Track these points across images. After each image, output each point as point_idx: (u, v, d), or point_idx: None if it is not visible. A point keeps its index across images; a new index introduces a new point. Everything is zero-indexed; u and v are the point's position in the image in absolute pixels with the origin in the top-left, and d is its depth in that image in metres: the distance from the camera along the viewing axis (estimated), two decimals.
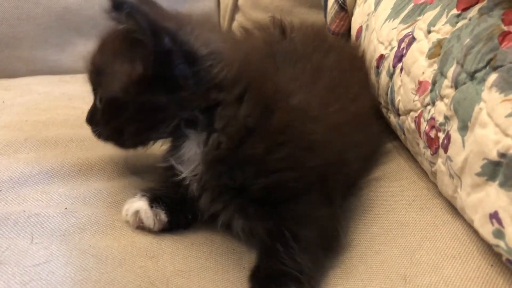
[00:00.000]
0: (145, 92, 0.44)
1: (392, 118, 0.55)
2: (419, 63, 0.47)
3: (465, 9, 0.45)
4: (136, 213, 0.47)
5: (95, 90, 0.49)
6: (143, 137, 0.48)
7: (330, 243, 0.47)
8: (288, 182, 0.45)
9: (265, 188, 0.45)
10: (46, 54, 0.90)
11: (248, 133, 0.45)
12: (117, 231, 0.46)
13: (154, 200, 0.47)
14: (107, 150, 0.53)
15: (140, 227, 0.47)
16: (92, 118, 0.50)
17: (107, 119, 0.47)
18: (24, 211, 0.45)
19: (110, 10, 0.42)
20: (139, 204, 0.47)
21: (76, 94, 0.73)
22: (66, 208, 0.47)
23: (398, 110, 0.52)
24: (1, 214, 0.44)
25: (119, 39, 0.46)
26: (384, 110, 0.59)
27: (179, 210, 0.48)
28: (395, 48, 0.53)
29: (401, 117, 0.51)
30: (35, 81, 0.82)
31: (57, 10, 0.88)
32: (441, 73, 0.43)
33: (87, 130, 0.61)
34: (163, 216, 0.47)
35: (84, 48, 0.88)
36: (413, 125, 0.48)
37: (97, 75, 0.48)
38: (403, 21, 0.54)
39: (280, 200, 0.46)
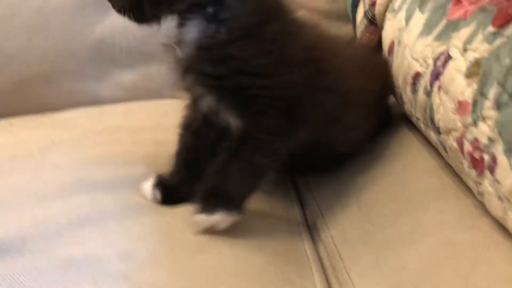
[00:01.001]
0: None
1: (433, 136, 0.55)
2: (458, 82, 0.47)
3: (502, 26, 0.45)
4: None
5: None
6: (161, 8, 0.52)
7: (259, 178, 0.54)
8: (262, 88, 0.51)
9: (240, 88, 0.51)
10: (85, 86, 0.92)
11: (244, 32, 0.50)
12: (176, 266, 0.48)
13: (158, 184, 0.57)
14: None
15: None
16: None
17: None
18: (85, 254, 0.47)
19: None
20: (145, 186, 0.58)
21: (117, 127, 0.76)
22: (124, 248, 0.49)
23: (438, 128, 0.52)
24: (64, 259, 0.46)
25: None
26: (422, 126, 0.59)
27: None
28: (431, 66, 0.54)
29: (442, 135, 0.51)
30: (78, 115, 0.85)
31: (93, 43, 0.90)
32: (481, 93, 0.43)
33: (133, 169, 0.64)
34: (158, 196, 0.57)
35: (120, 77, 0.94)
36: (455, 145, 0.48)
37: None
38: (437, 38, 0.54)
39: (249, 107, 0.52)
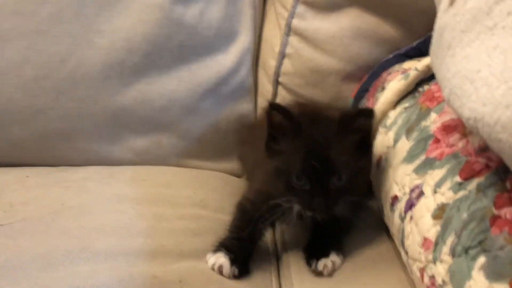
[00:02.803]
0: None
1: (403, 255, 0.61)
2: (426, 220, 0.54)
3: (466, 179, 0.52)
4: (220, 267, 0.67)
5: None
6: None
7: None
8: None
9: None
10: (99, 146, 1.00)
11: None
12: None
13: (234, 260, 0.68)
14: (147, 265, 0.64)
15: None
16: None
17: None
18: None
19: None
20: (223, 261, 0.68)
21: (124, 196, 0.82)
22: None
23: (407, 252, 0.58)
24: None
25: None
26: (396, 242, 0.65)
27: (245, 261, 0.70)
28: (407, 195, 0.60)
29: (409, 260, 0.58)
30: (89, 175, 0.91)
31: (113, 109, 0.98)
32: (442, 238, 0.50)
33: (132, 241, 0.70)
34: (236, 272, 0.68)
35: (134, 142, 1.01)
36: (418, 274, 0.54)
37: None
38: (415, 170, 0.61)
39: None
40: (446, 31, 0.56)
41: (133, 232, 0.73)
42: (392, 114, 0.79)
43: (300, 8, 0.99)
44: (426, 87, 0.77)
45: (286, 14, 1.01)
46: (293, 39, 1.01)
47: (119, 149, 1.01)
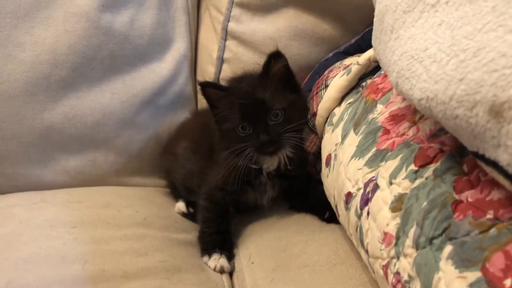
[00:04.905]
0: None
1: (363, 254, 0.58)
2: (383, 214, 0.51)
3: (422, 166, 0.49)
4: (222, 267, 0.74)
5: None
6: None
7: None
8: None
9: None
10: (28, 170, 0.91)
11: None
12: None
13: (229, 257, 0.75)
14: None
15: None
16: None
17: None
18: None
19: None
20: (222, 261, 0.74)
21: (57, 220, 0.74)
22: None
23: (367, 251, 0.55)
24: None
25: None
26: (354, 242, 0.62)
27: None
28: (361, 190, 0.57)
29: (370, 259, 0.54)
30: (17, 202, 0.83)
31: (41, 129, 0.91)
32: (403, 230, 0.47)
33: (67, 268, 0.63)
34: (233, 266, 0.76)
35: (66, 163, 0.93)
36: (381, 272, 0.51)
37: None
38: (367, 164, 0.58)
39: None
40: (388, 14, 0.54)
41: (69, 259, 0.66)
42: (337, 111, 0.76)
43: (236, 11, 0.96)
44: (369, 81, 0.75)
45: (221, 18, 0.98)
46: (230, 43, 0.98)
47: (51, 172, 0.93)
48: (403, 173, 0.50)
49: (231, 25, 0.97)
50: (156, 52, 0.98)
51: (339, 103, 0.78)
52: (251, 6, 0.95)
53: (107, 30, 0.92)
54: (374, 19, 0.58)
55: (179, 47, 1.01)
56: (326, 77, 0.86)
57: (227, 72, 0.98)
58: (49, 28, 0.89)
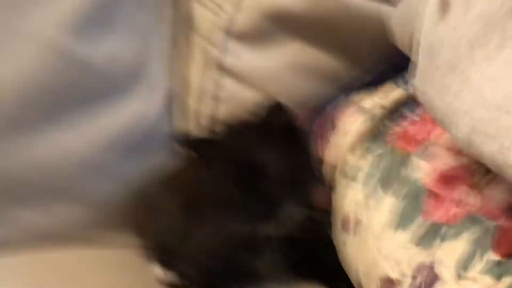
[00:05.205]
0: None
1: None
2: None
3: (509, 256, 0.36)
4: None
5: None
6: None
7: None
8: None
9: None
10: None
11: None
12: None
13: None
14: None
15: None
16: None
17: None
18: None
19: None
20: None
21: None
22: None
23: None
24: None
25: None
26: None
27: None
28: (409, 279, 0.43)
29: None
30: None
31: None
32: None
33: None
34: None
35: (18, 217, 0.79)
36: None
37: None
38: (416, 241, 0.45)
39: None
40: (445, 48, 0.42)
41: None
42: (352, 160, 0.64)
43: (232, 44, 0.86)
44: (389, 124, 0.63)
45: (215, 52, 0.87)
46: (227, 81, 0.87)
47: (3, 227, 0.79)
48: (478, 264, 0.37)
49: (227, 60, 0.87)
50: (131, 86, 0.87)
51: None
52: (248, 37, 0.85)
53: (76, 63, 0.81)
54: (420, 54, 0.46)
55: (158, 81, 0.90)
56: (332, 117, 0.74)
57: (224, 113, 0.88)
58: (11, 60, 0.77)
